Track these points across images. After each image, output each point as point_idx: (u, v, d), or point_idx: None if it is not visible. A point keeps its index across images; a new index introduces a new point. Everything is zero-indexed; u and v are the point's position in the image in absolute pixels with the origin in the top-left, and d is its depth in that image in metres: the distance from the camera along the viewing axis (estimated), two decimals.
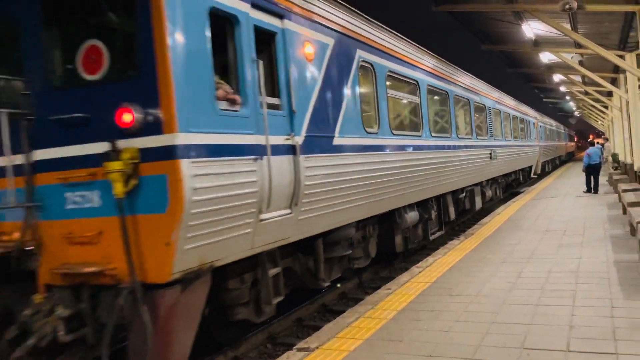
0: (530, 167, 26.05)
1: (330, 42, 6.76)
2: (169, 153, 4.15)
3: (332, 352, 4.85)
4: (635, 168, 15.01)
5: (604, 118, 39.16)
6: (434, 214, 11.18)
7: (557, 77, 23.72)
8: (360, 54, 7.61)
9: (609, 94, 24.22)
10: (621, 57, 14.40)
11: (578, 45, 14.80)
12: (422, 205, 10.33)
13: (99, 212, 4.38)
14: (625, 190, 12.45)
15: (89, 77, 4.52)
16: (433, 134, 10.64)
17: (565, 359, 4.21)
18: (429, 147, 10.31)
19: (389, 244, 9.21)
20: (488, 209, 17.06)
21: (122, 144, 4.22)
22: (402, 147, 8.94)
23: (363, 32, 7.78)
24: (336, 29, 6.93)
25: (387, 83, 8.56)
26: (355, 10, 7.86)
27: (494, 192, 17.86)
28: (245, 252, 5.14)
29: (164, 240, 4.15)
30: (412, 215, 9.71)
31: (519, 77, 27.26)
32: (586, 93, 26.94)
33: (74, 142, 4.46)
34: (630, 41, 14.89)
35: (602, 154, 17.87)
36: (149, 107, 4.22)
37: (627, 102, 16.81)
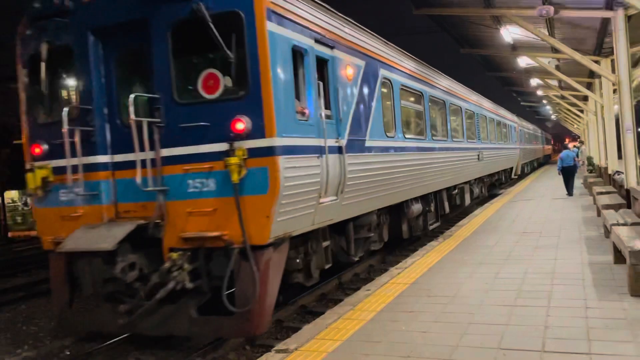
0: (512, 168, 28.11)
1: (362, 64, 8.39)
2: (270, 151, 5.71)
3: (311, 353, 4.85)
4: (609, 171, 15.33)
5: (579, 122, 39.88)
6: (432, 207, 12.74)
7: (534, 81, 24.09)
8: (382, 72, 9.26)
9: (585, 98, 24.68)
10: (596, 62, 14.68)
11: (555, 50, 15.05)
12: (424, 199, 11.85)
13: (214, 194, 5.87)
14: (599, 193, 12.73)
15: (208, 96, 6.02)
16: (434, 138, 12.25)
17: (540, 359, 4.28)
18: (431, 149, 11.93)
19: (397, 231, 10.78)
20: (466, 210, 17.26)
21: (236, 145, 5.71)
22: (411, 149, 10.53)
23: (383, 54, 9.42)
24: (366, 53, 8.59)
25: (400, 95, 10.18)
26: (378, 36, 9.64)
27: (480, 190, 19.59)
28: (309, 227, 6.72)
29: (264, 214, 5.70)
30: (417, 207, 11.23)
31: (498, 80, 27.66)
32: (562, 97, 27.42)
33: (195, 144, 5.94)
34: (605, 47, 15.20)
35: (577, 156, 18.46)
36: (255, 119, 5.73)
37: (602, 107, 17.15)
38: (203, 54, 6.26)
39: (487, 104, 21.16)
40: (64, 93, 7.00)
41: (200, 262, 5.95)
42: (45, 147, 6.65)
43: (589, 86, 21.16)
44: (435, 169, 12.14)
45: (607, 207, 10.31)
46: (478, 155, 17.51)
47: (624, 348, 4.31)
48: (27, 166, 6.76)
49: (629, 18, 10.81)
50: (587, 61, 12.37)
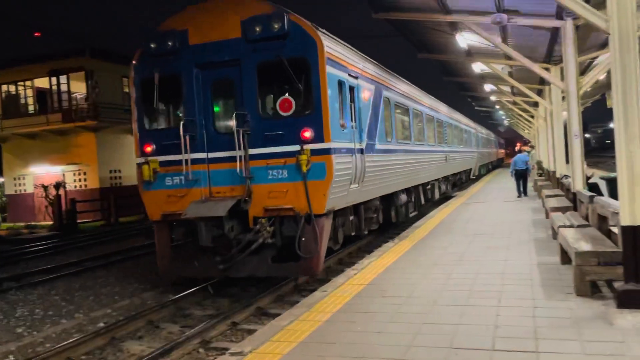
0: (471, 169, 32.57)
1: (373, 88, 11.35)
2: (326, 152, 8.28)
3: (265, 355, 4.82)
4: (558, 175, 15.90)
5: (530, 127, 41.23)
6: (413, 198, 15.83)
7: (488, 87, 24.76)
8: (384, 93, 12.28)
9: (536, 104, 25.52)
10: (547, 69, 15.20)
11: (508, 57, 15.49)
12: (407, 192, 14.93)
13: (286, 180, 8.37)
14: (548, 196, 13.17)
15: (284, 114, 8.47)
16: (415, 142, 15.76)
17: (490, 357, 4.38)
18: (414, 151, 15.30)
19: (388, 216, 13.37)
20: (422, 212, 17.54)
21: (305, 147, 8.21)
22: (401, 151, 13.65)
23: (384, 79, 12.60)
24: (375, 79, 11.64)
25: (395, 109, 13.36)
26: (381, 65, 12.77)
27: (446, 187, 23.26)
28: (343, 205, 9.48)
29: (322, 193, 8.23)
30: (403, 197, 14.31)
31: (453, 85, 28.25)
32: (514, 103, 28.27)
33: (273, 145, 8.44)
34: (555, 55, 15.76)
35: (528, 160, 19.66)
36: (317, 129, 8.28)
37: (551, 113, 17.79)
38: (280, 84, 8.79)
39: (454, 114, 25.81)
40: (172, 109, 9.64)
41: (276, 225, 8.49)
42: (153, 147, 9.12)
43: (540, 93, 21.90)
44: (416, 168, 15.59)
45: (555, 209, 10.67)
46: (446, 157, 21.31)
47: (569, 346, 4.47)
48: (140, 160, 9.12)
49: (577, 28, 11.26)
50: (537, 68, 12.79)
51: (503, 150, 76.08)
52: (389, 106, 12.65)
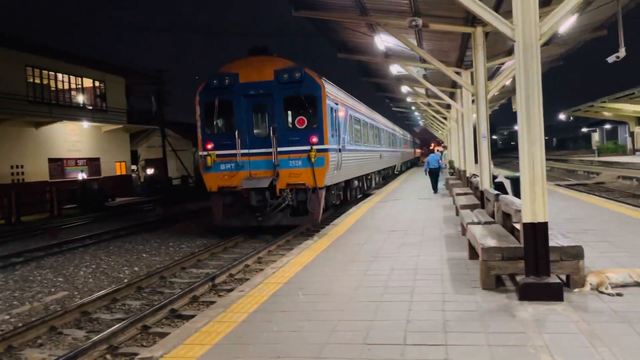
0: (395, 165, 40.60)
1: (344, 109, 17.36)
2: (325, 150, 14.07)
3: None
4: (468, 174, 16.72)
5: (443, 128, 43.12)
6: (360, 184, 21.94)
7: (404, 89, 25.59)
8: (350, 112, 18.61)
9: (448, 106, 26.71)
10: (458, 73, 15.94)
11: (423, 60, 16.08)
12: (358, 179, 21.12)
13: (301, 167, 13.95)
14: (458, 194, 13.80)
15: (299, 127, 14.16)
16: (364, 144, 22.28)
17: (402, 352, 4.49)
18: (364, 151, 21.84)
19: (345, 195, 18.89)
20: (341, 210, 17.79)
21: (313, 147, 13.86)
22: (357, 150, 19.98)
23: (351, 103, 19.24)
24: (345, 104, 17.73)
25: (355, 122, 19.94)
26: (350, 95, 19.69)
27: (378, 179, 29.81)
28: (330, 183, 15.15)
29: (322, 174, 13.96)
30: (356, 183, 20.59)
31: (372, 85, 28.93)
32: (429, 105, 29.44)
33: (293, 146, 13.99)
34: (466, 60, 16.57)
35: (441, 159, 21.91)
36: (320, 137, 14.04)
37: (462, 115, 18.69)
38: (297, 109, 14.27)
39: (387, 122, 34.49)
40: (225, 122, 14.91)
41: (293, 194, 14.00)
42: (211, 145, 14.43)
43: (452, 95, 22.94)
44: (364, 163, 21.96)
45: (464, 207, 11.20)
46: (380, 155, 28.20)
47: (475, 338, 4.67)
48: (204, 153, 14.44)
49: (487, 35, 11.89)
50: (450, 72, 13.37)
51: (420, 150, 79.59)
52: (351, 121, 19.13)
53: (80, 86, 32.52)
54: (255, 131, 14.55)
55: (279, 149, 14.09)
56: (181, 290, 8.81)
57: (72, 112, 30.96)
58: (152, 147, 46.14)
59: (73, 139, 30.83)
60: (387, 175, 35.33)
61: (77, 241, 16.15)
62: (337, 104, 15.90)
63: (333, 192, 16.31)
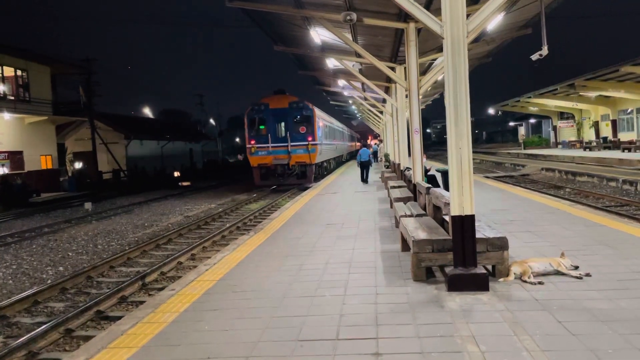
0: (342, 155, 51.56)
1: (323, 121, 33.45)
2: (315, 144, 29.11)
3: None
4: (402, 168, 17.06)
5: (379, 122, 43.86)
6: (324, 166, 34.66)
7: (341, 82, 25.73)
8: (325, 122, 34.72)
9: (384, 100, 27.15)
10: (392, 68, 16.17)
11: (358, 55, 16.19)
12: (326, 162, 35.58)
13: (303, 152, 28.69)
14: (392, 187, 14.03)
15: (302, 132, 29.02)
16: (328, 139, 35.88)
17: (334, 347, 4.49)
18: (330, 144, 37.18)
19: (319, 173, 31.99)
20: (277, 204, 17.70)
21: (309, 143, 28.88)
22: (326, 143, 34.26)
23: (326, 117, 36.30)
24: (324, 118, 34.46)
25: (324, 127, 33.41)
26: (326, 112, 38.22)
27: (332, 164, 40.86)
28: (315, 162, 29.92)
29: (314, 157, 29.20)
30: (325, 164, 35.15)
31: (309, 79, 28.90)
32: (365, 99, 29.81)
33: (298, 142, 28.81)
34: (400, 55, 16.83)
35: (375, 152, 32.97)
36: (312, 137, 29.04)
37: (397, 109, 19.02)
38: (300, 123, 29.04)
39: (339, 122, 48.15)
40: (261, 129, 28.75)
41: (299, 167, 28.81)
42: (253, 141, 28.38)
43: (387, 90, 23.31)
44: (330, 150, 37.01)
45: (398, 200, 11.39)
46: (335, 147, 41.63)
47: (405, 330, 4.75)
48: (249, 146, 28.53)
49: (419, 31, 12.11)
50: (384, 67, 13.52)
51: (359, 143, 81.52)
52: (325, 127, 33.30)
53: (0, 75, 30.48)
54: (278, 135, 28.51)
55: (291, 144, 28.30)
56: (109, 290, 8.44)
57: None
58: (80, 139, 44.07)
59: None
60: (340, 162, 49.05)
61: None
62: (320, 119, 31.11)
63: (318, 166, 31.25)
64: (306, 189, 24.51)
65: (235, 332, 5.01)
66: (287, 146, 28.16)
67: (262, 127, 28.57)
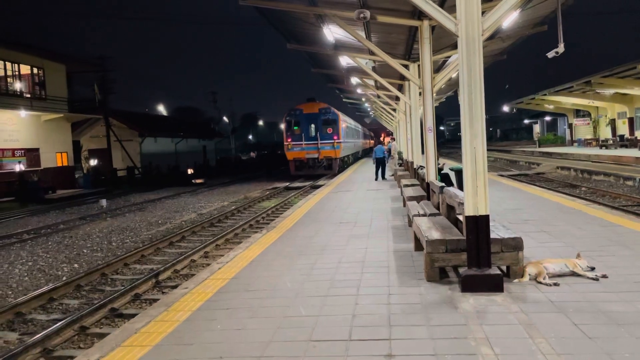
0: (359, 151, 56.58)
1: (345, 123, 41.27)
2: (339, 142, 36.75)
3: None
4: (415, 166, 16.97)
5: (392, 120, 43.70)
6: (347, 160, 42.96)
7: (354, 80, 25.66)
8: (346, 124, 42.68)
9: (397, 98, 27.00)
10: (406, 66, 16.08)
11: (371, 53, 16.11)
12: (347, 157, 43.65)
13: (330, 149, 36.15)
14: (405, 186, 13.96)
15: (329, 132, 36.38)
16: (349, 138, 44.05)
17: (346, 347, 4.47)
18: (349, 142, 44.26)
19: (342, 165, 39.35)
20: (290, 201, 17.69)
21: (335, 141, 36.32)
22: (349, 141, 43.42)
23: (347, 119, 44.38)
24: (346, 120, 42.66)
25: (346, 127, 42.18)
26: (345, 114, 45.49)
27: (354, 158, 49.12)
28: (340, 156, 37.43)
29: (339, 152, 37.28)
30: (346, 159, 42.24)
31: (322, 77, 28.86)
32: (378, 97, 29.67)
33: (326, 140, 36.14)
34: (413, 53, 16.71)
35: (389, 150, 33.65)
36: (337, 136, 36.53)
37: (410, 107, 18.91)
38: (328, 125, 36.32)
39: (356, 123, 55.26)
40: (296, 130, 36.19)
41: (326, 160, 36.15)
42: (290, 140, 36.00)
43: (400, 88, 23.19)
44: (349, 147, 43.95)
45: (411, 198, 11.32)
46: (354, 144, 48.22)
47: (417, 332, 4.71)
48: (287, 143, 36.21)
49: (433, 28, 12.01)
50: (397, 65, 13.45)
51: (373, 141, 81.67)
52: (346, 127, 40.80)
53: (17, 73, 30.86)
54: (310, 134, 35.34)
55: (320, 142, 35.28)
56: (123, 287, 8.50)
57: (8, 100, 29.35)
58: (95, 137, 44.48)
59: (10, 129, 29.28)
60: (356, 157, 53.73)
61: (13, 236, 15.38)
62: (343, 122, 38.47)
63: (341, 160, 37.10)
64: (319, 187, 24.76)
65: (248, 332, 5.01)
66: (317, 143, 35.69)
67: (296, 127, 36.05)
